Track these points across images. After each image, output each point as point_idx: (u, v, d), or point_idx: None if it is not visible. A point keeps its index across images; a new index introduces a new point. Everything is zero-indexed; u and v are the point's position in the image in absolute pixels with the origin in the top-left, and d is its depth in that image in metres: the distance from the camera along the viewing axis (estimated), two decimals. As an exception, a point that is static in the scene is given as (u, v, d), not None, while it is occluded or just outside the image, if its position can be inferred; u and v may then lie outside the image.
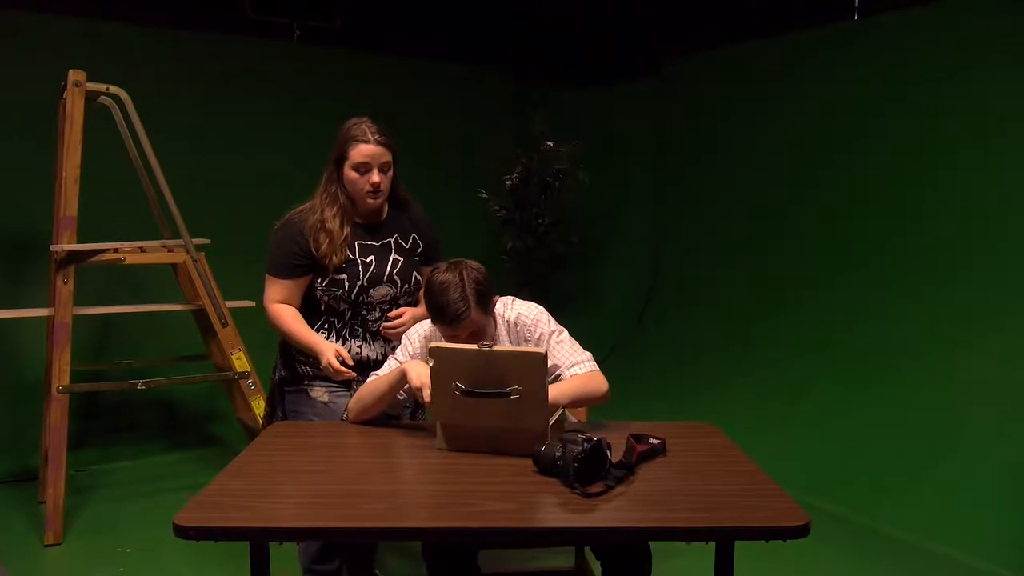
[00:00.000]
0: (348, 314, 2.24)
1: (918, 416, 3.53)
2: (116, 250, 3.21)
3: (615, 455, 1.71)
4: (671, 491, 1.63)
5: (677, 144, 5.49)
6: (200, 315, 3.50)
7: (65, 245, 3.03)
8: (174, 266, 3.52)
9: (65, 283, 3.05)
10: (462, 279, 1.91)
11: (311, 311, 2.24)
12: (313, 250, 2.16)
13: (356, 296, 2.20)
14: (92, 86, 3.07)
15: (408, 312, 2.26)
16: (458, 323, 1.90)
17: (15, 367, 4.15)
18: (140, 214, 3.68)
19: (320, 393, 2.24)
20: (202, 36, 4.82)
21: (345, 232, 2.18)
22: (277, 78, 5.08)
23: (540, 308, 2.13)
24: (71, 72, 3.01)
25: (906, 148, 3.98)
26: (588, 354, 2.09)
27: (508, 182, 5.23)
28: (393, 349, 2.23)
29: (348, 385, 2.21)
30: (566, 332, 2.11)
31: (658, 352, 5.17)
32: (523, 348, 1.99)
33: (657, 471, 1.74)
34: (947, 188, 3.79)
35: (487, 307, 1.96)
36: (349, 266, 2.19)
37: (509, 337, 2.08)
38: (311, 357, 2.19)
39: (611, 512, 1.53)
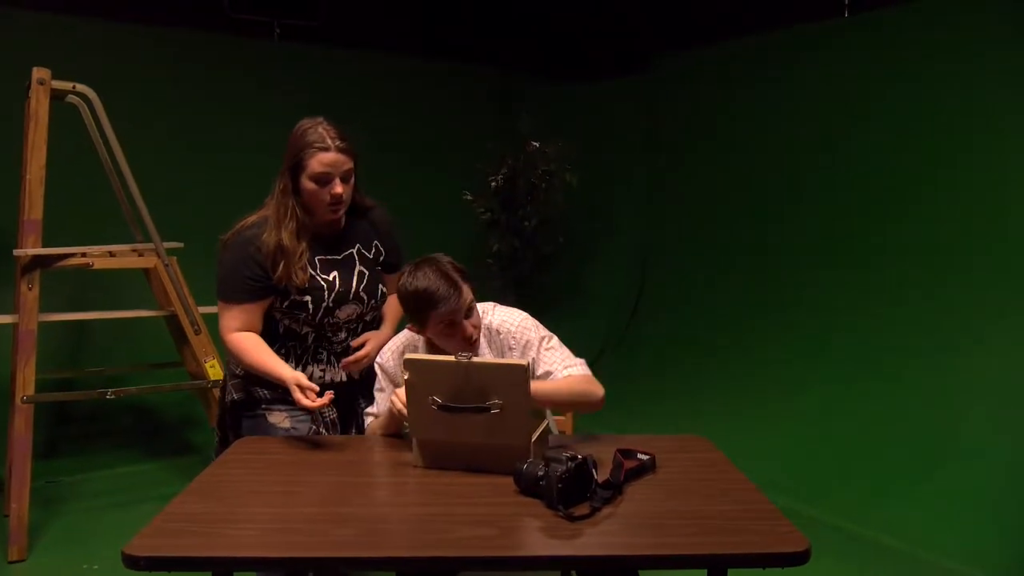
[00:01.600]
0: (311, 337, 2.04)
1: (917, 419, 3.46)
2: (84, 254, 3.09)
3: (602, 472, 1.62)
4: (662, 513, 1.53)
5: (669, 142, 5.41)
6: (173, 321, 3.38)
7: (29, 249, 2.90)
8: (146, 271, 3.40)
9: (30, 289, 2.93)
10: (436, 264, 1.85)
11: (267, 334, 2.01)
12: (271, 272, 1.95)
13: (321, 319, 2.01)
14: (58, 84, 2.95)
15: (371, 343, 2.09)
16: (453, 301, 1.81)
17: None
18: (111, 217, 3.55)
19: (280, 418, 2.05)
20: (179, 34, 4.71)
21: (302, 248, 1.95)
22: (256, 77, 4.96)
23: (524, 314, 2.03)
24: (35, 69, 2.89)
25: (902, 145, 3.93)
26: (581, 360, 1.99)
27: (493, 183, 5.13)
28: (360, 368, 2.12)
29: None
30: (556, 338, 2.01)
31: (648, 354, 5.08)
32: (504, 360, 1.89)
33: (647, 490, 1.65)
34: (945, 185, 3.73)
35: (469, 282, 1.89)
36: (312, 287, 1.97)
37: (490, 347, 1.98)
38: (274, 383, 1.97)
39: (597, 537, 1.43)
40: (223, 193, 4.69)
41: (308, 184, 1.92)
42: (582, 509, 1.52)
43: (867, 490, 3.37)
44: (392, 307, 2.18)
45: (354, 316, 2.07)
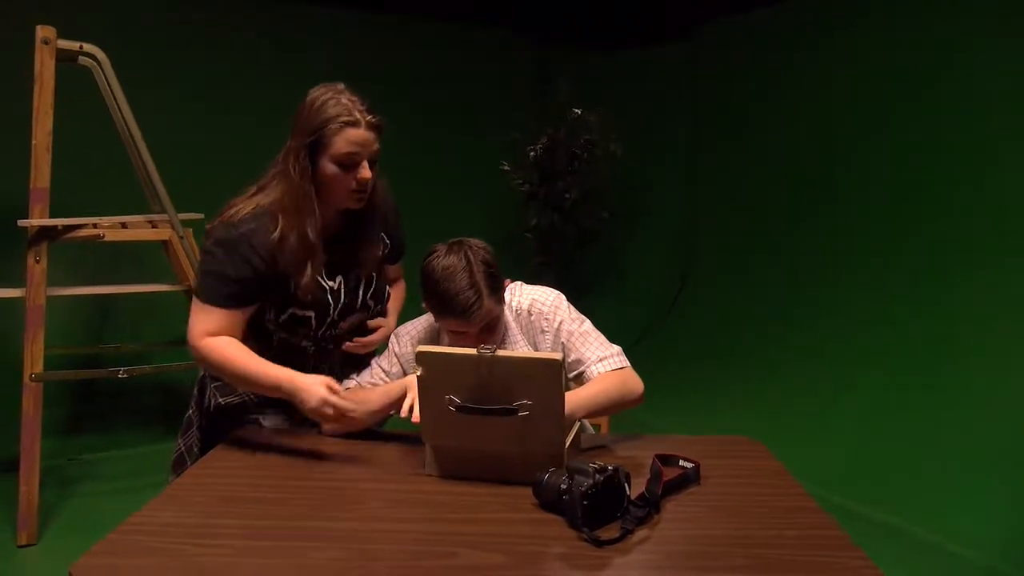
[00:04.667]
0: (311, 351, 1.75)
1: (983, 416, 3.11)
2: (95, 225, 2.92)
3: (637, 481, 1.37)
4: (707, 539, 1.28)
5: (712, 114, 5.08)
6: (190, 296, 3.21)
7: (35, 220, 2.75)
8: (164, 243, 3.24)
9: (37, 262, 2.78)
10: (468, 262, 1.56)
11: (259, 344, 1.69)
12: (278, 275, 1.62)
13: (324, 332, 1.73)
14: (64, 44, 2.77)
15: (382, 329, 1.83)
16: (470, 315, 1.56)
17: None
18: (128, 186, 3.39)
19: (278, 423, 1.79)
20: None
21: (320, 250, 1.63)
22: (283, 39, 4.74)
23: (556, 292, 1.78)
24: (39, 28, 2.69)
25: (960, 119, 3.54)
26: (617, 348, 1.73)
27: (532, 154, 4.85)
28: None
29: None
30: (589, 322, 1.76)
31: (690, 342, 4.77)
32: (536, 354, 1.63)
33: (689, 508, 1.39)
34: (1007, 165, 3.33)
35: (499, 293, 1.63)
36: (316, 298, 1.66)
37: (521, 330, 1.74)
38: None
39: (628, 569, 1.19)
40: (246, 162, 4.52)
41: (329, 167, 1.58)
42: (611, 531, 1.28)
43: (929, 492, 3.04)
44: (396, 298, 1.94)
45: (358, 324, 1.80)
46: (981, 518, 2.84)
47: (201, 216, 3.26)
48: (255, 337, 1.70)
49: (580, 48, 5.55)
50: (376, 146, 1.61)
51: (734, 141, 4.91)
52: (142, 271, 3.75)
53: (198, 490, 1.46)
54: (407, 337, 1.77)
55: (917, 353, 3.49)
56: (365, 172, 1.60)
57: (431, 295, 1.60)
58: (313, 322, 1.70)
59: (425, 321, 1.78)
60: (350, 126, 1.56)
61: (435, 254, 1.60)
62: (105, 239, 2.94)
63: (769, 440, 1.76)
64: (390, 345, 1.78)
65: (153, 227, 3.09)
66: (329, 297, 1.70)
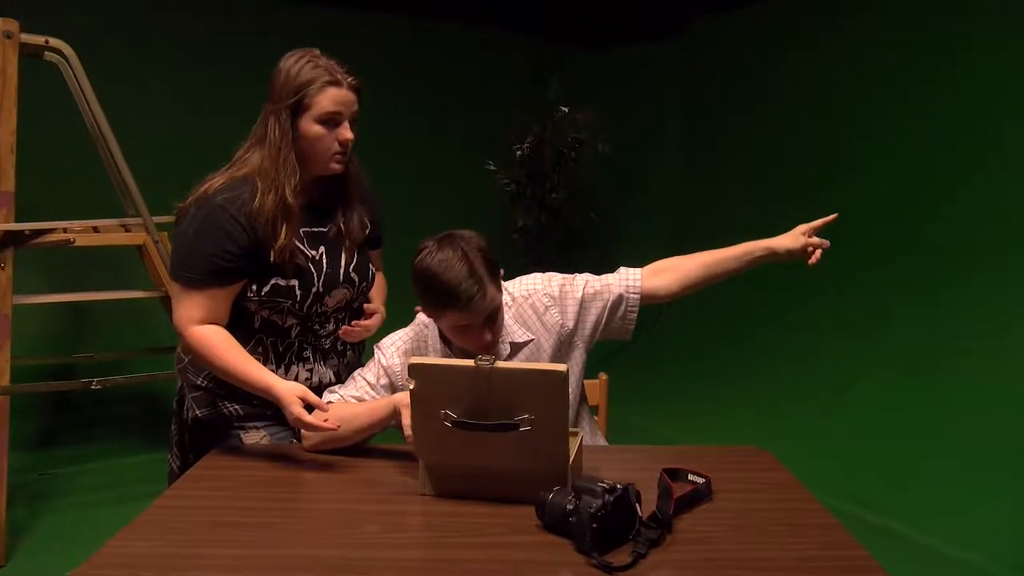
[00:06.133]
0: (296, 331, 1.68)
1: (982, 418, 3.06)
2: (65, 230, 2.80)
3: (645, 499, 1.28)
4: (727, 562, 1.19)
5: (705, 112, 5.00)
6: (167, 303, 3.09)
7: (0, 225, 2.62)
8: (139, 247, 3.12)
9: (2, 268, 2.65)
10: (463, 252, 1.48)
11: (240, 328, 1.64)
12: (259, 244, 1.56)
13: (310, 307, 1.66)
14: (28, 38, 2.64)
15: (377, 315, 1.78)
16: (474, 305, 1.48)
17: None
18: (99, 188, 3.26)
19: (259, 438, 1.70)
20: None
21: (298, 214, 1.60)
22: (264, 36, 4.61)
23: (540, 273, 1.75)
24: (0, 20, 2.57)
25: (964, 108, 3.50)
26: (623, 268, 1.77)
27: (519, 152, 4.76)
28: (349, 364, 1.79)
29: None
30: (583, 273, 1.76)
31: (682, 344, 4.70)
32: (538, 365, 1.54)
33: (702, 526, 1.31)
34: (1008, 160, 3.29)
35: (498, 279, 1.55)
36: (300, 267, 1.62)
37: (517, 319, 1.67)
38: (248, 395, 1.62)
39: (645, 598, 1.10)
40: (225, 162, 4.42)
41: (313, 128, 1.56)
42: (622, 555, 1.19)
43: (929, 494, 3.00)
44: (380, 286, 1.87)
45: (343, 303, 1.73)
46: (980, 521, 2.80)
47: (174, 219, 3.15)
48: (238, 324, 1.63)
49: (573, 46, 5.48)
50: (356, 107, 1.60)
51: (728, 139, 4.86)
52: (116, 277, 3.62)
53: (176, 515, 1.36)
54: (392, 348, 1.67)
55: (916, 355, 3.45)
56: (348, 132, 1.59)
57: (429, 291, 1.50)
58: (297, 292, 1.63)
59: (410, 331, 1.69)
60: (332, 85, 1.55)
61: (426, 250, 1.51)
62: (76, 244, 2.82)
63: (764, 443, 1.71)
64: (375, 358, 1.68)
65: (127, 231, 2.98)
66: (311, 266, 1.65)
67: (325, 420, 1.50)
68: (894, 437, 3.28)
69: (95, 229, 2.92)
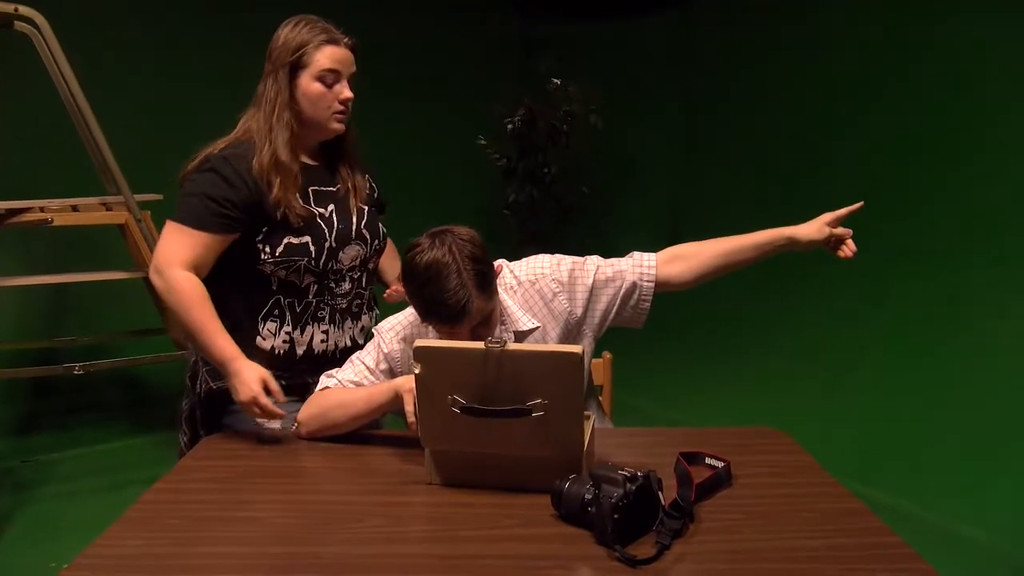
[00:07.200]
0: (313, 290, 1.68)
1: (989, 396, 3.02)
2: (42, 209, 2.69)
3: (664, 489, 1.22)
4: (754, 553, 1.12)
5: (706, 85, 4.91)
6: (149, 283, 2.99)
7: (-27, 204, 2.51)
8: (121, 227, 3.01)
9: (-23, 250, 2.54)
10: (454, 257, 1.36)
11: (257, 292, 1.65)
12: (261, 202, 1.58)
13: (325, 263, 1.66)
14: (-2, 6, 2.51)
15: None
16: (459, 319, 1.37)
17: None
18: (78, 165, 3.14)
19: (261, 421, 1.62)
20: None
21: (296, 168, 1.62)
22: (254, 6, 4.47)
23: (548, 256, 1.64)
24: (-32, -12, 2.45)
25: (962, 84, 3.44)
26: (637, 253, 1.68)
27: (510, 126, 4.66)
28: (364, 329, 1.77)
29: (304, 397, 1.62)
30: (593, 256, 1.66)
31: (680, 323, 4.63)
32: (551, 346, 1.46)
33: (725, 514, 1.24)
34: (1011, 134, 3.22)
35: (490, 289, 1.42)
36: (310, 223, 1.63)
37: (522, 305, 1.58)
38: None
39: (671, 594, 1.04)
40: (210, 137, 4.27)
41: (312, 86, 1.61)
42: (644, 547, 1.12)
43: (937, 471, 2.97)
44: (392, 256, 1.88)
45: (357, 261, 1.73)
46: (986, 500, 2.77)
47: (160, 197, 3.04)
48: (255, 283, 1.64)
49: (567, 18, 5.35)
50: (354, 68, 1.66)
51: (726, 112, 4.78)
52: (97, 257, 3.51)
53: (168, 510, 1.28)
54: (391, 333, 1.58)
55: (920, 333, 3.41)
56: (347, 90, 1.63)
57: (415, 296, 1.42)
58: (311, 248, 1.64)
59: (410, 315, 1.60)
60: (330, 43, 1.61)
61: (418, 248, 1.40)
62: (54, 224, 2.71)
63: (769, 421, 1.67)
64: (375, 341, 1.60)
65: (108, 210, 2.87)
66: (321, 221, 1.66)
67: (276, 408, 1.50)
68: (898, 416, 3.25)
69: (74, 208, 2.81)
